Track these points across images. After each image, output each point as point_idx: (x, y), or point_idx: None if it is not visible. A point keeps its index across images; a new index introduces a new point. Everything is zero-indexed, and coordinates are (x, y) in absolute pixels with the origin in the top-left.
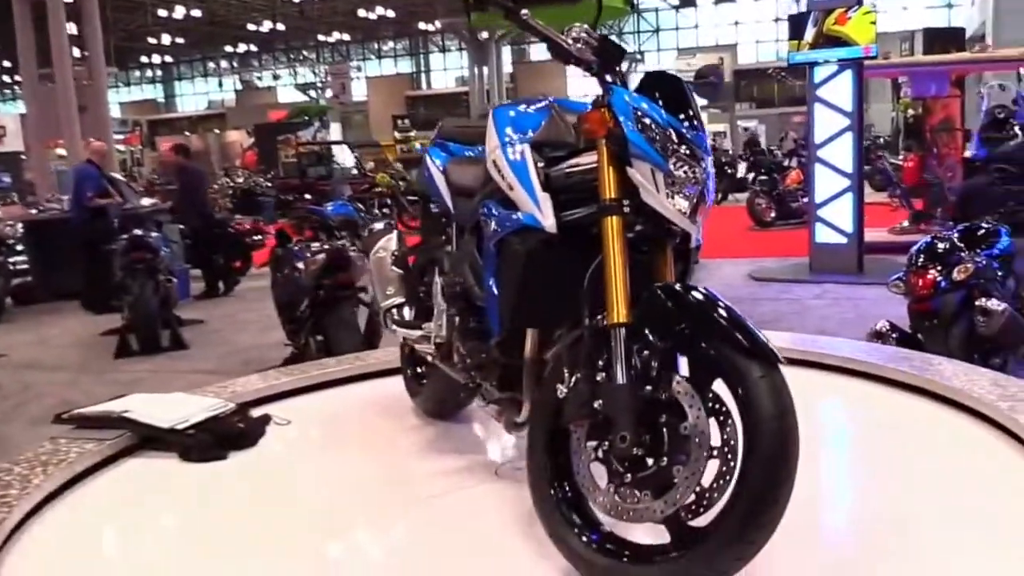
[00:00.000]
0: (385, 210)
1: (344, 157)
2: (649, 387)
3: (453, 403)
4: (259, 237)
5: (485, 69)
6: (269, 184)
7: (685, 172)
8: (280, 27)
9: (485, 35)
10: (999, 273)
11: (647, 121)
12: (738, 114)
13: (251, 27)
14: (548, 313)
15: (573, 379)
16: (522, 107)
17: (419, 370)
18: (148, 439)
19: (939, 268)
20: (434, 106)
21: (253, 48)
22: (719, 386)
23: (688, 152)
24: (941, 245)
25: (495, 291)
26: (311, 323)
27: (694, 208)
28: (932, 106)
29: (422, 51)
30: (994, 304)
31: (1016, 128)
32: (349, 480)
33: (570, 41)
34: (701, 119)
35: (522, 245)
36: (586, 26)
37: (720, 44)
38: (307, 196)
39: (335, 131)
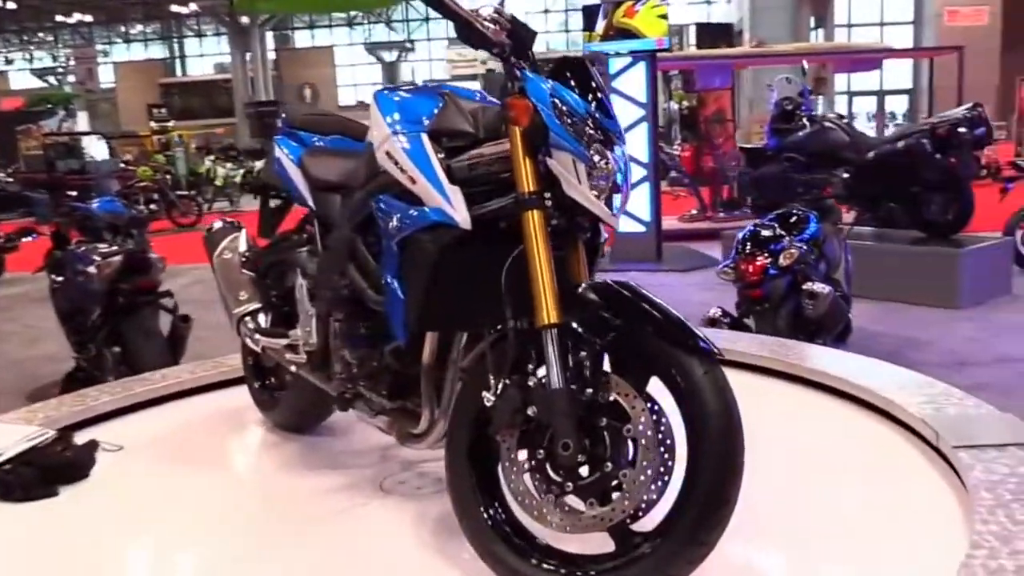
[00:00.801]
0: (152, 206)
1: (97, 149)
2: (588, 390)
3: (315, 416)
4: (28, 238)
5: (248, 55)
6: (10, 180)
7: (604, 162)
8: (11, 5)
9: (247, 20)
10: (813, 257)
11: (565, 109)
12: None
13: None
14: (462, 314)
15: (500, 385)
16: (407, 93)
17: (270, 381)
18: None
19: (766, 255)
20: (191, 94)
21: None
22: (652, 385)
23: (604, 140)
24: (765, 232)
25: (400, 294)
26: (105, 332)
27: (609, 198)
28: (705, 98)
29: (176, 35)
30: (819, 287)
31: (804, 119)
32: (213, 509)
33: (484, 22)
34: (611, 105)
35: (432, 243)
36: (496, 6)
37: None
38: (71, 192)
39: (82, 121)
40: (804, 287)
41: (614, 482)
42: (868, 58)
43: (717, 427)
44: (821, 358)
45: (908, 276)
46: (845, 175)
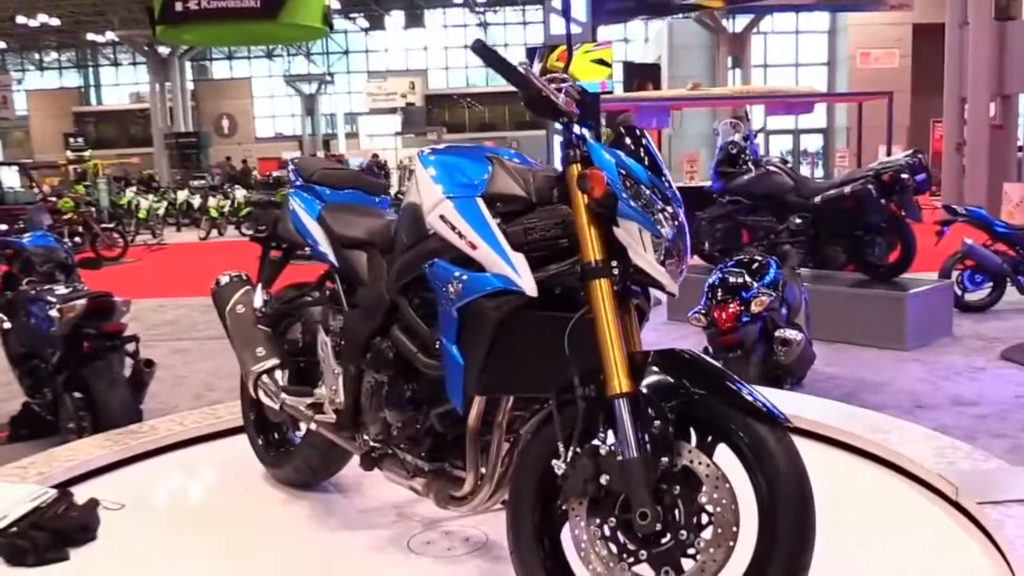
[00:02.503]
0: (77, 239)
1: (8, 178)
2: (663, 458)
3: (325, 473)
4: None
5: (167, 85)
6: None
7: (668, 232)
8: None
9: (166, 50)
10: (777, 303)
11: (631, 178)
12: (430, 139)
13: None
14: (520, 379)
15: (570, 453)
16: (455, 156)
17: (275, 437)
18: None
19: (738, 302)
20: (107, 123)
21: None
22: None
23: (668, 210)
24: (733, 279)
25: (459, 359)
26: (65, 377)
27: (676, 266)
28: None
29: (91, 64)
30: (792, 334)
31: (749, 163)
32: (232, 572)
33: (555, 92)
34: (664, 168)
35: (496, 310)
36: (565, 75)
37: (411, 68)
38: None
39: None
40: (776, 334)
41: (689, 550)
42: (802, 102)
43: (793, 494)
44: (815, 408)
45: (856, 318)
46: (799, 220)
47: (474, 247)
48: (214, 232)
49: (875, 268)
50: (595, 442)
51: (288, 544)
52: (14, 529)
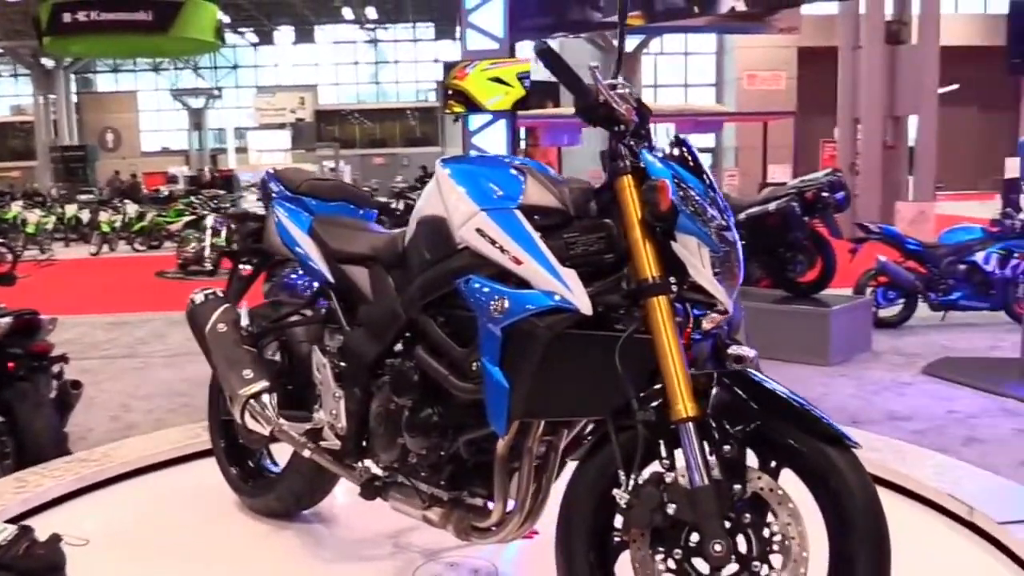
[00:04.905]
0: None
1: None
2: (736, 486)
3: (310, 502)
4: None
5: (51, 97)
6: None
7: (725, 247)
8: None
9: (51, 62)
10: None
11: (689, 192)
12: (322, 155)
13: None
14: (568, 402)
15: (630, 482)
16: (480, 166)
17: (251, 465)
18: None
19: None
20: None
21: None
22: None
23: (723, 223)
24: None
25: (504, 382)
26: None
27: (731, 282)
28: (533, 154)
29: None
30: (746, 351)
31: None
32: None
33: (616, 100)
34: (717, 184)
35: (549, 329)
36: (626, 81)
37: (301, 84)
38: None
39: None
40: (730, 351)
41: None
42: (711, 121)
43: (869, 519)
44: None
45: (780, 334)
46: None
47: (519, 262)
48: (105, 247)
49: (795, 285)
50: (659, 469)
51: None
52: None
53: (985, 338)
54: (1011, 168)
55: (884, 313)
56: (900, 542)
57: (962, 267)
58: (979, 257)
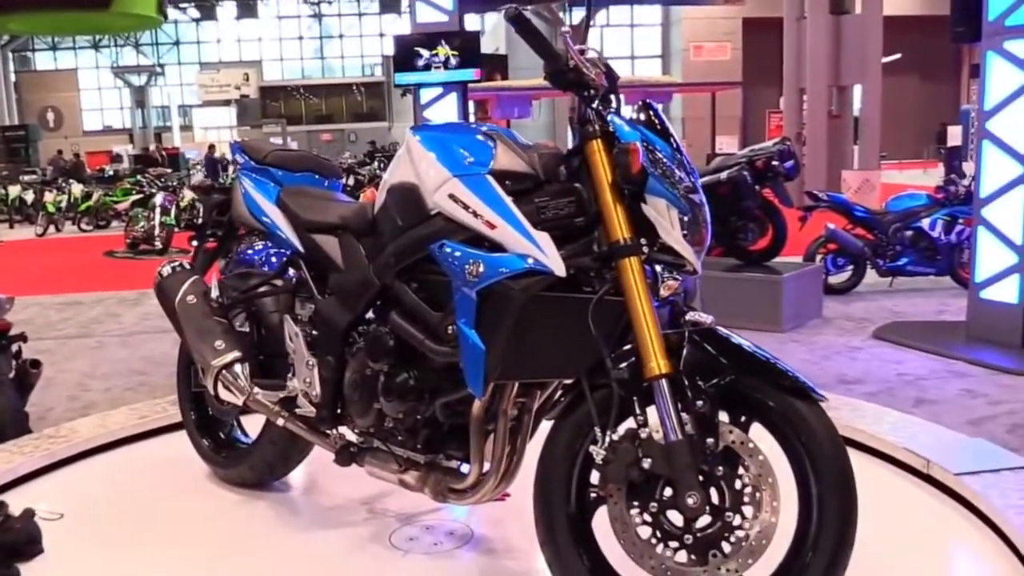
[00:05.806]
0: None
1: None
2: (709, 439)
3: (283, 470)
4: None
5: None
6: None
7: (694, 208)
8: None
9: None
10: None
11: (657, 155)
12: (267, 131)
13: None
14: (543, 362)
15: (607, 438)
16: (450, 132)
17: (223, 436)
18: None
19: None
20: None
21: None
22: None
23: (690, 185)
24: None
25: (480, 344)
26: None
27: (700, 243)
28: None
29: None
30: (703, 317)
31: None
32: None
33: (587, 64)
34: (684, 146)
35: (524, 292)
36: (594, 47)
37: (244, 60)
38: None
39: None
40: (687, 317)
41: (737, 530)
42: (660, 92)
43: (836, 471)
44: None
45: (733, 301)
46: None
47: (492, 226)
48: (52, 228)
49: (746, 253)
50: (632, 425)
51: (260, 547)
52: None
53: (932, 302)
54: (954, 136)
55: (834, 279)
56: (862, 495)
57: (908, 233)
58: (925, 223)
